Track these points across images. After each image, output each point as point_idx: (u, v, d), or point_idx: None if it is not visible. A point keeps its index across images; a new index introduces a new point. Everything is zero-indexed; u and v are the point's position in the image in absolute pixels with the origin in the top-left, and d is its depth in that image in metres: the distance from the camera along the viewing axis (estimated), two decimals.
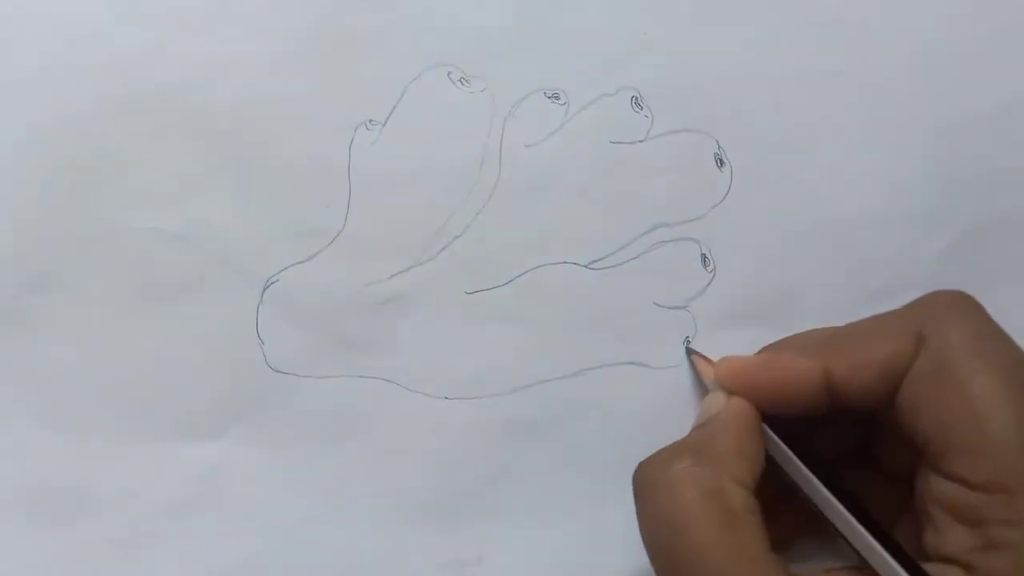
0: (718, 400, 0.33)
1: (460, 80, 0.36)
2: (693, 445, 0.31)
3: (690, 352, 0.37)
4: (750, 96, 0.37)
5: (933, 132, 0.37)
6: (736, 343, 0.36)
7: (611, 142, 0.37)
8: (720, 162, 0.37)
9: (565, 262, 0.37)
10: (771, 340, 0.36)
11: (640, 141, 0.37)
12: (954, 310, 0.30)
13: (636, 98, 0.37)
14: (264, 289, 0.37)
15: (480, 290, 0.37)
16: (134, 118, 0.36)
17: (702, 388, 0.36)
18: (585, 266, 0.37)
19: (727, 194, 0.37)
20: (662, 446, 0.32)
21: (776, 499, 0.32)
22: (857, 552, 0.30)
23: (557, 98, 0.37)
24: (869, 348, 0.31)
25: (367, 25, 0.36)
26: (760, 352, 0.35)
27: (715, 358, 0.36)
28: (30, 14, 0.35)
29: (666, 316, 0.37)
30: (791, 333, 0.36)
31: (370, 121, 0.36)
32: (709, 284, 0.37)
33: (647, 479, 0.30)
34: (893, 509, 0.33)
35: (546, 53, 0.37)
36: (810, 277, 0.38)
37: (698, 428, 0.33)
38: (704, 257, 0.37)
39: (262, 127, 0.36)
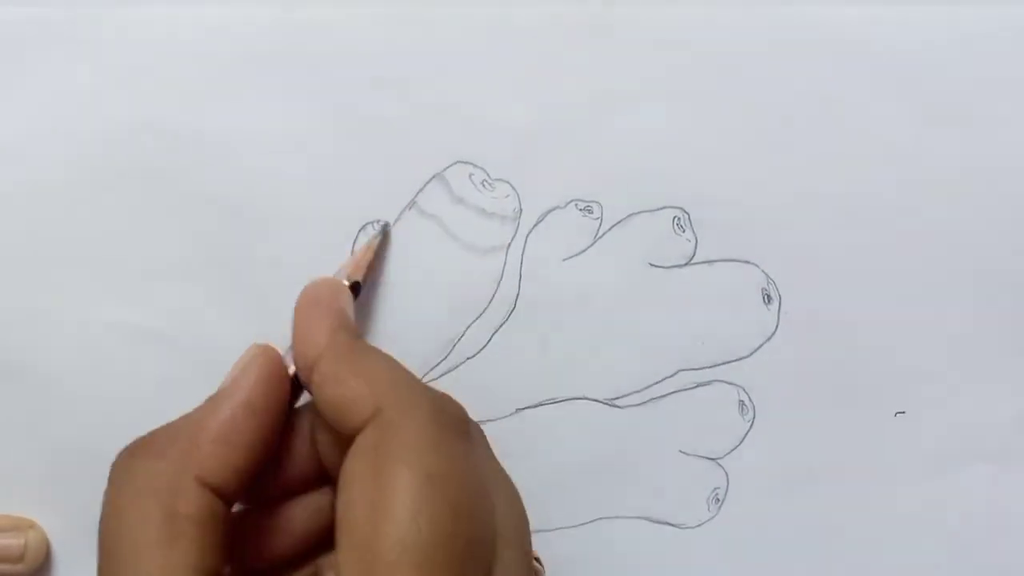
0: (250, 354, 0.27)
1: (483, 183, 0.32)
2: (174, 429, 0.26)
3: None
4: (807, 229, 0.33)
5: (1004, 283, 0.33)
6: (773, 509, 0.32)
7: (648, 264, 0.33)
8: (768, 298, 0.33)
9: (584, 397, 0.33)
10: (814, 510, 0.32)
11: (680, 266, 0.33)
12: (412, 411, 0.24)
13: (679, 218, 0.33)
14: None
15: (485, 420, 0.33)
16: (114, 196, 0.32)
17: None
18: (605, 402, 0.33)
19: (773, 335, 0.33)
20: None
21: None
22: None
23: (590, 211, 0.33)
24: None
25: (384, 115, 0.32)
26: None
27: (748, 519, 0.32)
28: (17, 74, 0.32)
29: (693, 467, 0.33)
30: (839, 505, 0.31)
31: (377, 221, 0.32)
32: (746, 435, 0.33)
33: (113, 466, 0.25)
34: None
35: (581, 160, 0.32)
36: (862, 439, 0.33)
37: (211, 397, 0.27)
38: (742, 404, 0.33)
39: (256, 216, 0.32)
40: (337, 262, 0.32)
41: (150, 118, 0.32)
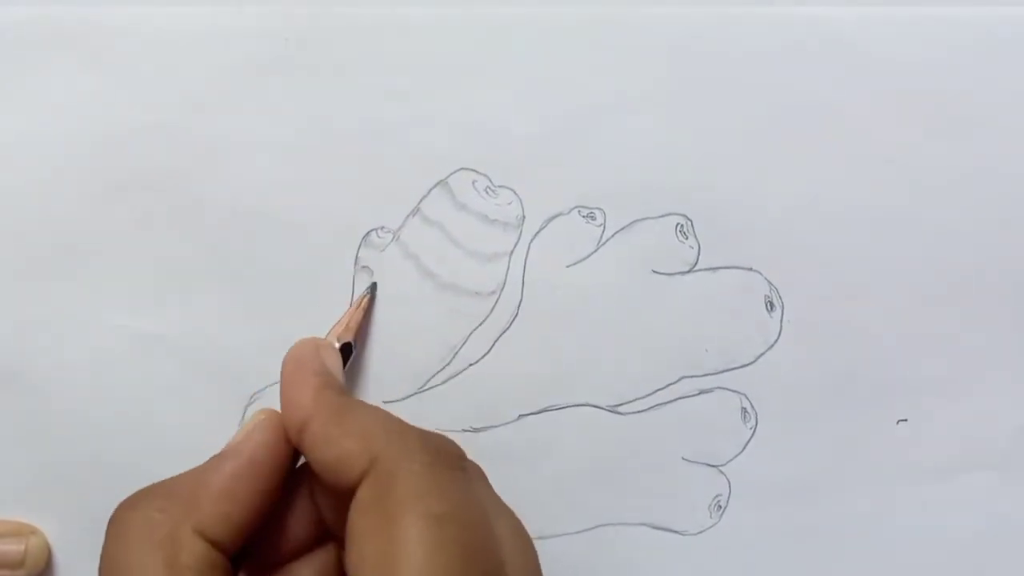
0: (256, 419, 0.28)
1: (486, 190, 0.32)
2: (177, 483, 0.26)
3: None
4: (810, 236, 0.32)
5: (1007, 290, 0.33)
6: (775, 517, 0.32)
7: (651, 271, 0.33)
8: (770, 305, 0.33)
9: (587, 404, 0.33)
10: (815, 518, 0.31)
11: (683, 273, 0.33)
12: (408, 459, 0.25)
13: (682, 225, 0.33)
14: (247, 405, 0.33)
15: (488, 427, 0.33)
16: (118, 202, 0.32)
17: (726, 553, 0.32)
18: (608, 409, 0.33)
19: (776, 342, 0.33)
20: None
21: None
22: None
23: (593, 218, 0.33)
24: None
25: (387, 121, 0.32)
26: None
27: (750, 526, 0.32)
28: (21, 77, 0.31)
29: (695, 474, 0.33)
30: (840, 513, 0.31)
31: (381, 228, 0.32)
32: (748, 443, 0.33)
33: (113, 517, 0.25)
34: None
35: (584, 166, 0.32)
36: (864, 447, 0.33)
37: (213, 456, 0.27)
38: (744, 412, 0.33)
39: (259, 222, 0.32)
40: (340, 270, 0.32)
41: (155, 123, 0.32)
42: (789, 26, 0.32)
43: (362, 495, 0.24)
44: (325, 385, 0.27)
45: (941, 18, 0.32)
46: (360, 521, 0.24)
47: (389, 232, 0.32)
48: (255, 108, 0.32)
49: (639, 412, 0.33)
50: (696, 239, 0.33)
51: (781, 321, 0.33)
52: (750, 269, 0.33)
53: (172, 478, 0.26)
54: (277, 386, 0.32)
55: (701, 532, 0.33)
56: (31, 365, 0.32)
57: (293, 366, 0.28)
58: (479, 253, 0.32)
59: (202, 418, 0.33)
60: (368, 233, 0.32)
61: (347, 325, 0.31)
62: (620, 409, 0.33)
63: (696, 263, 0.33)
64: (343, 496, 0.25)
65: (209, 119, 0.32)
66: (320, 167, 0.32)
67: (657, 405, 0.33)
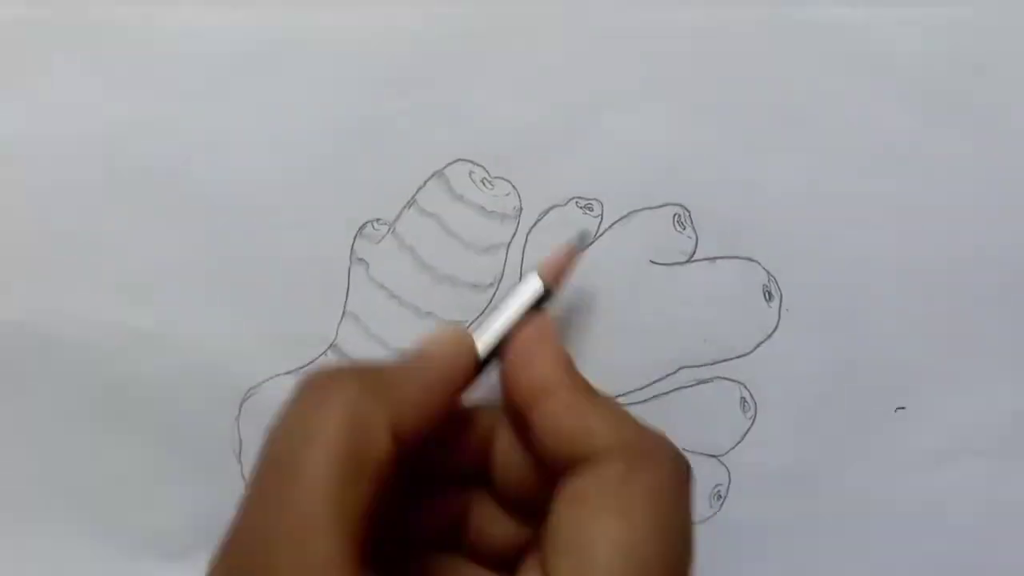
0: (447, 332, 0.27)
1: (483, 181, 0.32)
2: (379, 373, 0.25)
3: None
4: (808, 226, 0.32)
5: (1005, 279, 0.33)
6: (774, 506, 0.32)
7: (649, 262, 0.33)
8: (768, 295, 0.33)
9: None
10: (815, 506, 0.31)
11: (681, 264, 0.33)
12: (659, 456, 0.25)
13: (680, 216, 0.32)
14: (243, 401, 0.32)
15: None
16: (112, 197, 0.32)
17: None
18: None
19: (774, 331, 0.33)
20: None
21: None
22: None
23: (591, 208, 0.32)
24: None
25: (383, 113, 0.32)
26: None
27: (749, 516, 0.32)
28: (18, 76, 0.31)
29: (695, 464, 0.32)
30: (840, 501, 0.31)
31: (377, 220, 0.32)
32: (747, 432, 0.33)
33: (308, 380, 0.24)
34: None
35: (581, 157, 0.32)
36: (863, 435, 0.33)
37: (406, 360, 0.26)
38: (744, 401, 0.33)
39: (254, 216, 0.32)
40: (336, 262, 0.32)
41: (150, 119, 0.31)
42: (786, 17, 0.31)
43: (603, 474, 0.24)
44: (570, 364, 0.27)
45: (940, 11, 0.31)
46: (596, 499, 0.24)
47: (385, 224, 0.32)
48: (249, 103, 0.31)
49: (638, 403, 0.33)
50: (694, 229, 0.33)
51: (779, 310, 0.33)
52: (748, 259, 0.33)
53: (370, 365, 0.25)
54: (273, 381, 0.32)
55: (701, 522, 0.33)
56: (26, 360, 0.32)
57: (539, 335, 0.28)
58: (476, 245, 0.32)
59: (197, 414, 0.32)
60: (364, 225, 0.32)
61: (559, 270, 0.29)
62: (619, 399, 0.33)
63: (694, 253, 0.33)
64: (552, 464, 0.25)
65: (204, 114, 0.31)
66: (316, 160, 0.32)
67: (656, 395, 0.33)
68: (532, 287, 0.28)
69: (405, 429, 0.24)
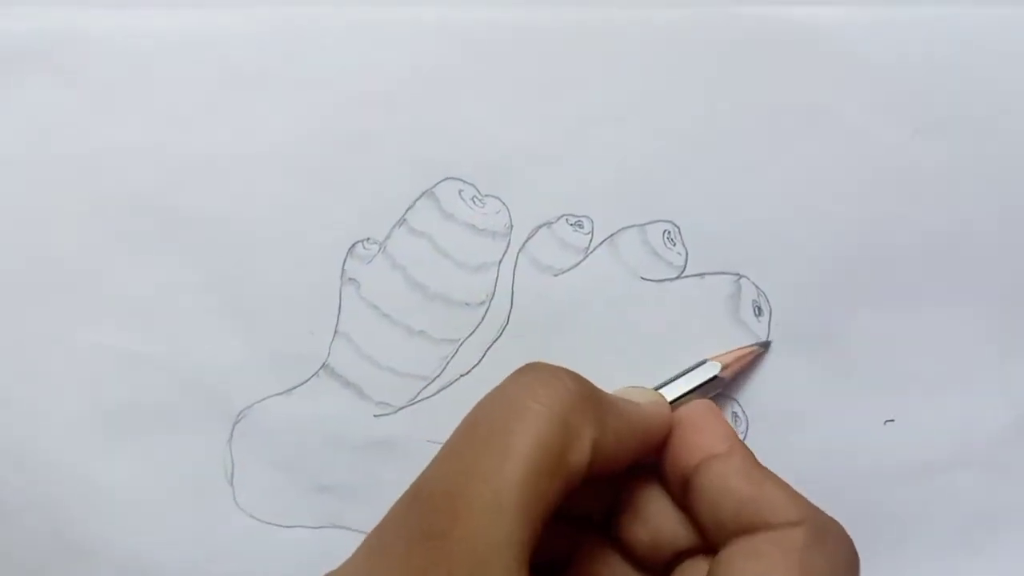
0: (655, 397, 0.29)
1: (473, 199, 0.32)
2: (592, 388, 0.26)
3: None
4: (797, 241, 0.33)
5: (994, 291, 0.33)
6: None
7: (640, 278, 0.33)
8: (759, 310, 0.33)
9: None
10: None
11: (671, 280, 0.33)
12: (838, 534, 0.26)
13: (669, 232, 0.33)
14: (236, 422, 0.32)
15: None
16: (102, 218, 0.31)
17: None
18: None
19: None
20: None
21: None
22: None
23: (581, 226, 0.33)
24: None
25: (372, 129, 0.32)
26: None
27: None
28: (5, 94, 0.31)
29: None
30: (830, 513, 0.31)
31: (367, 239, 0.32)
32: None
33: (532, 366, 0.26)
34: None
35: (571, 174, 0.32)
36: (853, 447, 0.33)
37: (624, 394, 0.28)
38: (735, 416, 0.33)
39: (244, 238, 0.32)
40: (327, 283, 0.32)
41: (137, 138, 0.31)
42: (775, 32, 0.32)
43: (783, 539, 0.25)
44: (737, 437, 0.28)
45: (928, 18, 0.32)
46: (777, 559, 0.24)
47: (375, 243, 0.32)
48: (237, 120, 0.31)
49: None
50: (684, 245, 0.33)
51: (769, 325, 0.33)
52: (738, 274, 0.33)
53: (589, 382, 0.26)
54: (265, 403, 0.32)
55: None
56: (16, 385, 0.32)
57: (707, 408, 0.29)
58: (467, 263, 0.32)
59: (190, 436, 0.32)
60: (354, 245, 0.32)
61: (735, 361, 0.32)
62: None
63: (684, 269, 0.33)
64: (719, 525, 0.26)
65: (191, 132, 0.31)
66: (304, 179, 0.32)
67: None
68: (708, 372, 0.31)
69: (600, 455, 0.24)
